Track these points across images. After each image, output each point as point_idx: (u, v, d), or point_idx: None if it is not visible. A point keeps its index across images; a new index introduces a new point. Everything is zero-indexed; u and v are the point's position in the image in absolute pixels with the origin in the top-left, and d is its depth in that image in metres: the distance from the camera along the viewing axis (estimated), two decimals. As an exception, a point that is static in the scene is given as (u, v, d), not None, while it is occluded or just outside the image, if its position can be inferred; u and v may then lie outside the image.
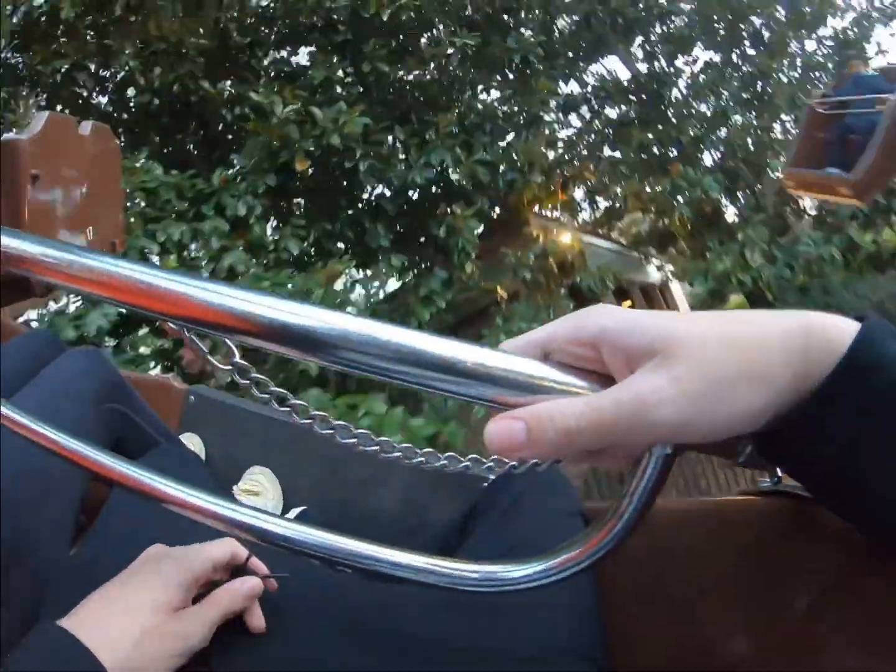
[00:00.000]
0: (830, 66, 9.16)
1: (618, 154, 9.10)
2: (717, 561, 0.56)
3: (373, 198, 6.47)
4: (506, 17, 7.01)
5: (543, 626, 0.60)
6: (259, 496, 1.10)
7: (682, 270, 8.34)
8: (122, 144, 6.14)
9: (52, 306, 4.03)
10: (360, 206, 6.40)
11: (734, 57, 9.33)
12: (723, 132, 8.91)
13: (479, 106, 6.66)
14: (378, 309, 5.73)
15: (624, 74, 9.45)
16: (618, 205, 9.52)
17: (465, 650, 0.58)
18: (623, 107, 9.25)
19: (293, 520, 0.43)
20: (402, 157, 5.91)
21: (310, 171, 5.66)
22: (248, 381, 0.39)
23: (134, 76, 5.78)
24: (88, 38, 5.92)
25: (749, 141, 8.61)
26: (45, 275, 0.40)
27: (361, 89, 6.04)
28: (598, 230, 10.13)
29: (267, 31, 6.71)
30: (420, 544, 0.94)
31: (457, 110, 6.18)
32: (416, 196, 6.39)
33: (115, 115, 6.50)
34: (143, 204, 4.50)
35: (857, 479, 0.32)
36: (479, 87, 7.06)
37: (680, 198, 7.43)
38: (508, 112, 7.00)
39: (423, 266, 6.50)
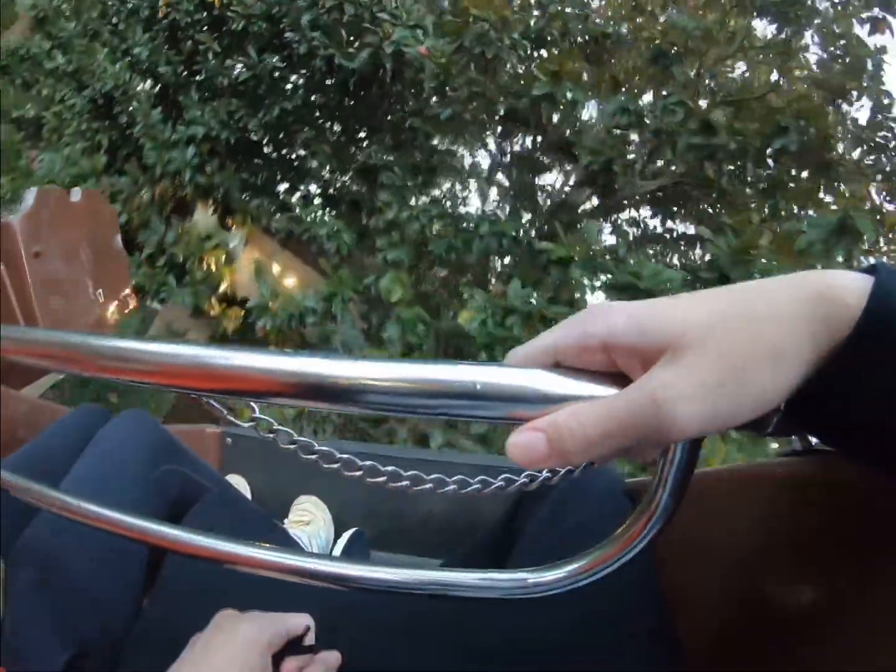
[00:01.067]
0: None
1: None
2: (766, 520, 0.55)
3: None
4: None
5: (609, 610, 0.60)
6: (310, 525, 1.11)
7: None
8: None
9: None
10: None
11: None
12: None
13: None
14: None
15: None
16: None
17: (534, 646, 0.59)
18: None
19: (343, 554, 0.44)
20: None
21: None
22: (271, 435, 0.39)
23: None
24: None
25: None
26: (65, 368, 0.41)
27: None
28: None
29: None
30: (471, 545, 0.94)
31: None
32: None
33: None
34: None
35: (893, 430, 0.31)
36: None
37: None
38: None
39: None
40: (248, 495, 1.21)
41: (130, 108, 4.17)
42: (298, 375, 0.32)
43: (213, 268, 4.30)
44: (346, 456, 0.39)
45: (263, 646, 0.53)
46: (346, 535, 1.11)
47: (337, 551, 1.10)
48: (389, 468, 0.41)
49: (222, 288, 4.31)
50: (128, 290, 1.73)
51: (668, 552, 0.64)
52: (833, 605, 0.46)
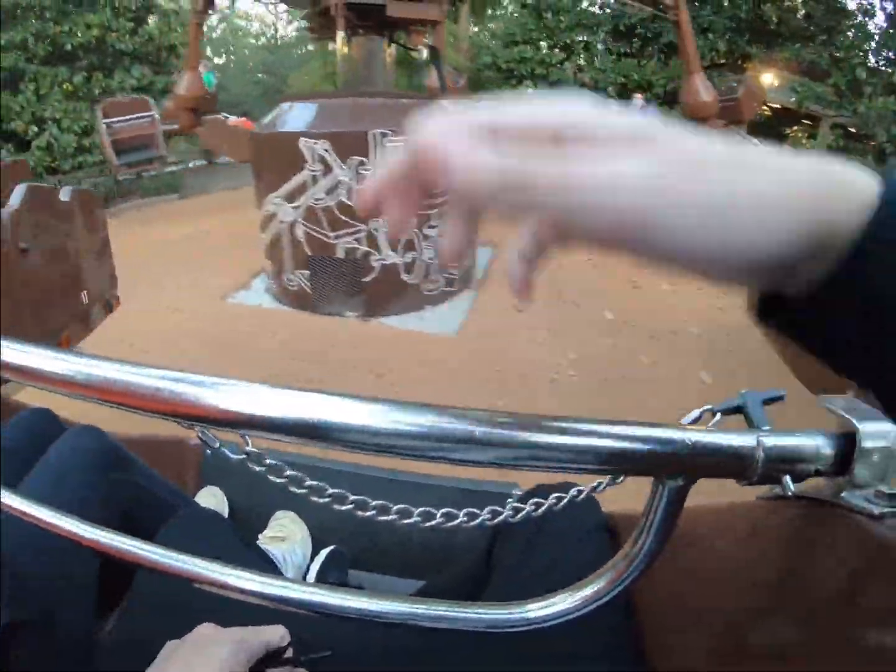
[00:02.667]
0: None
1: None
2: (740, 567, 0.56)
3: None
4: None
5: (579, 652, 0.60)
6: (286, 541, 1.10)
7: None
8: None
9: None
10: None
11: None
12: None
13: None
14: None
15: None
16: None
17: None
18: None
19: (320, 585, 0.44)
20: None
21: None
22: (263, 468, 0.39)
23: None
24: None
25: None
26: (46, 385, 0.40)
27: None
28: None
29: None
30: (449, 571, 0.94)
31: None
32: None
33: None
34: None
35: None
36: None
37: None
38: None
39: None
40: (226, 508, 1.20)
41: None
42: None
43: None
44: (314, 483, 0.39)
45: (243, 659, 0.53)
46: (323, 553, 1.10)
47: (314, 569, 1.09)
48: (377, 502, 0.41)
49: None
50: (114, 292, 1.71)
51: (646, 592, 0.65)
52: (802, 646, 0.46)
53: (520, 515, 0.45)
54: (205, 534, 0.84)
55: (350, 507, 0.41)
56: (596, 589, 0.40)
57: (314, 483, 0.39)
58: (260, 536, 1.13)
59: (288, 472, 0.39)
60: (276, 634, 0.57)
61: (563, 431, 0.32)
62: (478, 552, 0.87)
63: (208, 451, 1.27)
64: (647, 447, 0.33)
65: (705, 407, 0.42)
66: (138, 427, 1.12)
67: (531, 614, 0.42)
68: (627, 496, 0.58)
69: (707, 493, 0.47)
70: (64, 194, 1.50)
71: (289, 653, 0.58)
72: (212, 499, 1.18)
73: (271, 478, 0.39)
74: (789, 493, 0.41)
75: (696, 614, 0.60)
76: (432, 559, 1.09)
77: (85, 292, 1.53)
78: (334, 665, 0.58)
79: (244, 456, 0.39)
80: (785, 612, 0.49)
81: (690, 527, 0.62)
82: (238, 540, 0.89)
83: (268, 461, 0.39)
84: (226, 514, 1.19)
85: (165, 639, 0.56)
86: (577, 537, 0.72)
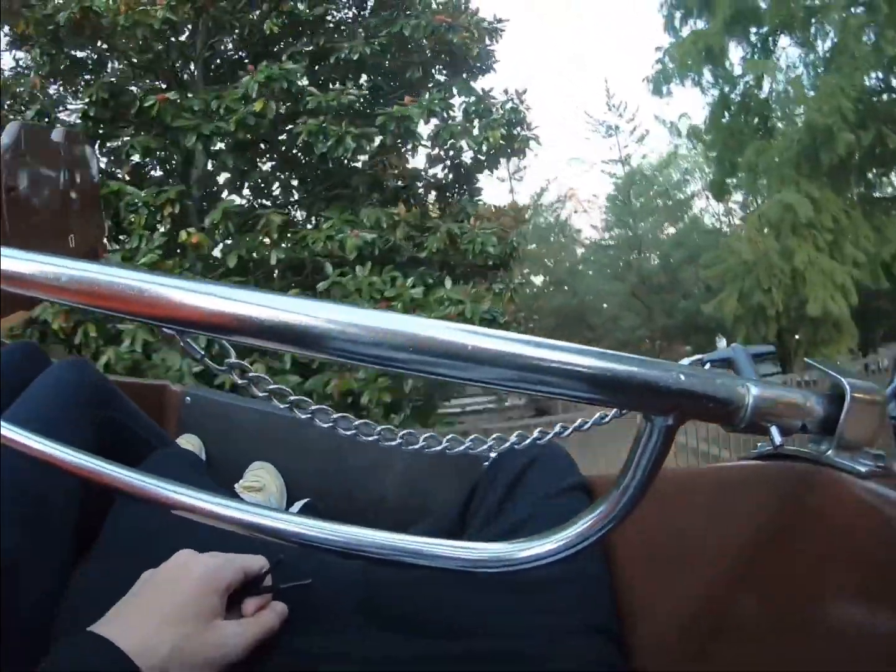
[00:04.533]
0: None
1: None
2: (722, 525, 0.56)
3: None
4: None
5: (556, 601, 0.61)
6: (261, 492, 1.11)
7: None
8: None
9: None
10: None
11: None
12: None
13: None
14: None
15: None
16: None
17: (476, 629, 0.59)
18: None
19: (300, 514, 0.44)
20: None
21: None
22: (246, 381, 0.39)
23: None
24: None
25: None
26: (33, 290, 0.40)
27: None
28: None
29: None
30: (424, 528, 0.95)
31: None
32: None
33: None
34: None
35: None
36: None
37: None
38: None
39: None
40: (203, 457, 1.20)
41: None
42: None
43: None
44: (297, 398, 0.39)
45: (220, 585, 0.53)
46: (297, 505, 1.11)
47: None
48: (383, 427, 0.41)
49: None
50: (101, 239, 1.69)
51: (624, 553, 0.65)
52: (785, 612, 0.47)
53: (525, 443, 0.44)
54: (182, 473, 0.84)
55: (353, 431, 0.40)
56: (581, 530, 0.39)
57: (297, 398, 0.39)
58: (236, 486, 1.13)
59: (271, 386, 0.39)
60: (255, 563, 0.57)
61: (555, 348, 0.32)
62: (454, 506, 0.88)
63: (188, 399, 1.28)
64: (638, 377, 0.33)
65: (695, 357, 0.43)
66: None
67: (518, 554, 0.41)
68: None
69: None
70: (56, 135, 1.47)
71: (268, 581, 0.58)
72: (188, 446, 1.18)
73: (254, 390, 0.39)
74: (776, 444, 0.42)
75: (674, 576, 0.61)
76: (408, 519, 1.09)
77: (72, 236, 1.51)
78: (314, 593, 0.59)
79: (226, 368, 0.39)
80: (766, 575, 0.49)
81: (673, 487, 0.62)
82: (214, 483, 0.89)
83: (251, 374, 0.39)
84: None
85: (135, 575, 0.55)
86: (555, 493, 0.73)
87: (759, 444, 0.54)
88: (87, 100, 6.05)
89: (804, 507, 0.47)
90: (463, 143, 6.66)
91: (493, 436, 0.41)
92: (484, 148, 6.60)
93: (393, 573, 0.60)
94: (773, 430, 0.37)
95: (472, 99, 6.94)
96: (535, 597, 0.60)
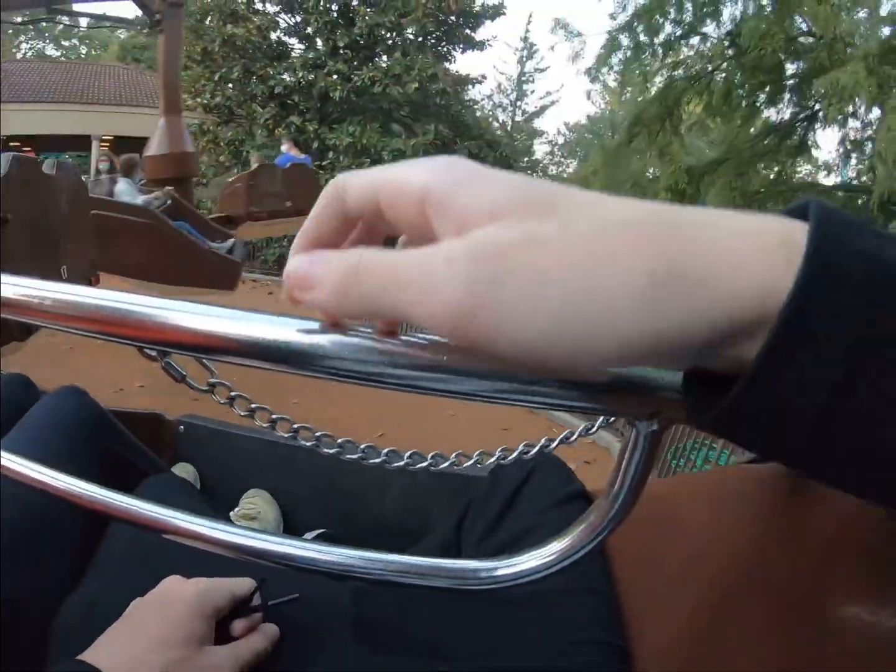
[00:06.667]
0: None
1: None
2: (725, 530, 0.56)
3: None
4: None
5: (561, 616, 0.60)
6: (256, 520, 1.09)
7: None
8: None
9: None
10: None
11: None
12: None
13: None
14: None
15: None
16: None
17: (472, 648, 0.58)
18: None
19: (291, 537, 0.43)
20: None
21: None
22: (227, 400, 0.39)
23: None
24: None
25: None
26: (16, 314, 0.39)
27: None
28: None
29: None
30: (423, 547, 0.94)
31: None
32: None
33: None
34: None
35: (854, 428, 0.20)
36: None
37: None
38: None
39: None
40: (198, 484, 1.19)
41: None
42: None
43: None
44: (279, 416, 0.39)
45: (208, 610, 0.53)
46: (311, 535, 1.09)
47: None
48: (365, 445, 0.40)
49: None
50: (94, 270, 1.69)
51: (622, 560, 0.65)
52: (790, 616, 0.46)
53: (510, 458, 0.43)
54: (176, 497, 0.83)
55: (358, 455, 0.40)
56: (571, 542, 0.38)
57: (279, 416, 0.38)
58: (231, 514, 1.12)
59: (254, 405, 0.38)
60: (243, 585, 0.56)
61: None
62: (452, 523, 0.86)
63: (181, 428, 1.26)
64: (620, 381, 0.32)
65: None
66: (115, 404, 1.11)
67: (509, 570, 0.40)
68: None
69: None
70: (47, 167, 1.49)
71: (256, 600, 0.57)
72: (183, 474, 1.16)
73: (236, 410, 0.38)
74: None
75: (675, 584, 0.60)
76: (409, 542, 1.08)
77: (64, 267, 1.52)
78: (302, 608, 0.58)
79: (207, 388, 0.38)
80: (770, 579, 0.49)
81: (674, 492, 0.62)
82: (209, 510, 0.88)
83: (233, 393, 0.38)
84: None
85: (128, 599, 0.55)
86: (556, 502, 0.72)
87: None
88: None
89: (805, 508, 0.47)
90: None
91: (477, 451, 0.40)
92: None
93: (384, 592, 0.60)
94: None
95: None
96: (538, 613, 0.59)
